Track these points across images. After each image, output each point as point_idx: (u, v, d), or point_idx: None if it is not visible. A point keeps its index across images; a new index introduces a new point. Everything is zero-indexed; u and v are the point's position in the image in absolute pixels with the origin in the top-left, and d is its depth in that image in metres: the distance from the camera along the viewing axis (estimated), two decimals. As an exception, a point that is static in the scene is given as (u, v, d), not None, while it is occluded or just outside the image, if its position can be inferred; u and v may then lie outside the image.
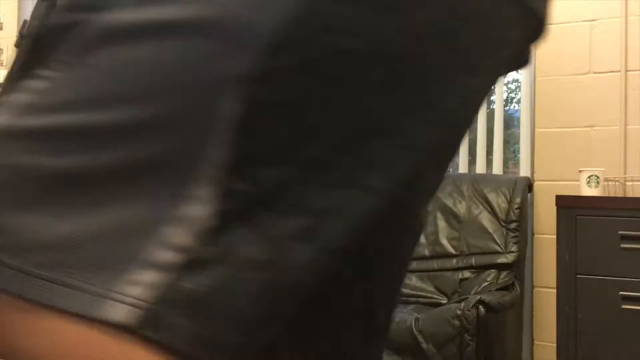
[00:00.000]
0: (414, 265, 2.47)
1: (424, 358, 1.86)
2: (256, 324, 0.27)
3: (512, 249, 2.35)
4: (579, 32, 2.49)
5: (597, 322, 2.02)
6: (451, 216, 2.49)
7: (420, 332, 1.88)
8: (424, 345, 1.86)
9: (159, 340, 0.25)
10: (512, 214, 2.41)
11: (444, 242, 2.46)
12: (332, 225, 0.28)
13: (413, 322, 1.90)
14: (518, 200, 2.43)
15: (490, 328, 1.96)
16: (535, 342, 2.50)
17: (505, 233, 2.39)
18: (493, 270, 2.34)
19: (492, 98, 2.93)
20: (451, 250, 2.44)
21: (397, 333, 1.90)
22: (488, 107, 2.86)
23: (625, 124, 2.40)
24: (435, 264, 2.44)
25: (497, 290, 2.19)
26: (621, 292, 2.01)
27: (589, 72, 2.47)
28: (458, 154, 2.90)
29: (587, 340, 2.04)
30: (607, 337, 2.03)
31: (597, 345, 2.05)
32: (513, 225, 2.40)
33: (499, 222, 2.41)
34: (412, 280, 2.44)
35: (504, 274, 2.31)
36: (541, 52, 2.55)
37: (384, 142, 0.29)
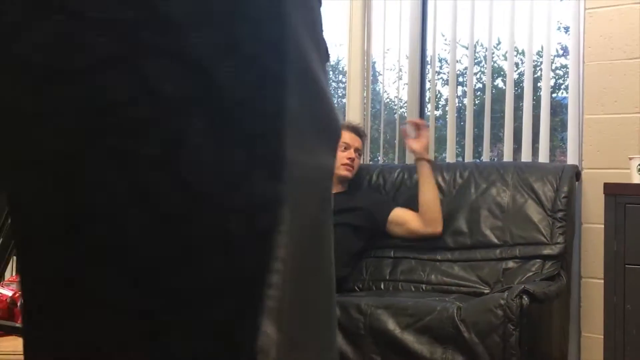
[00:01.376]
0: (457, 254, 2.45)
1: (466, 347, 1.85)
2: None
3: (559, 240, 2.30)
4: (629, 15, 2.40)
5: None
6: (494, 205, 2.45)
7: (462, 321, 1.86)
8: (466, 334, 1.84)
9: None
10: (559, 203, 2.36)
11: (487, 232, 2.42)
12: None
13: (455, 311, 1.89)
14: (565, 189, 2.37)
15: (535, 318, 1.93)
16: (583, 333, 2.44)
17: (551, 223, 2.34)
18: (538, 260, 2.29)
19: (538, 84, 2.86)
20: (494, 240, 2.40)
21: (439, 322, 1.89)
22: (535, 94, 2.79)
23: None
24: (477, 254, 2.41)
25: (542, 280, 2.15)
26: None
27: (636, 57, 2.39)
28: (502, 141, 2.83)
29: (636, 331, 1.98)
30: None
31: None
32: (560, 215, 2.34)
33: (545, 212, 2.36)
34: (455, 269, 2.42)
35: (549, 264, 2.27)
36: (590, 36, 2.47)
37: None
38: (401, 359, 1.90)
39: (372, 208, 2.52)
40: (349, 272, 2.51)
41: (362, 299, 2.03)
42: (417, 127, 2.54)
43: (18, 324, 1.10)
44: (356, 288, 2.49)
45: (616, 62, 2.43)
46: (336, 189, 2.65)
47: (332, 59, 4.47)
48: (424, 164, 2.50)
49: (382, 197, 2.63)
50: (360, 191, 2.66)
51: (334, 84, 4.71)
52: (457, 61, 3.00)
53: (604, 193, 2.05)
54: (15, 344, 1.13)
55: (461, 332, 1.85)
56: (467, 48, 2.95)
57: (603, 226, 2.05)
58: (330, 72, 4.63)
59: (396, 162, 3.11)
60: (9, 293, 1.25)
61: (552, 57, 2.78)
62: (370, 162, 3.14)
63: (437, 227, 2.45)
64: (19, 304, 1.22)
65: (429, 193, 2.46)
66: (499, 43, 3.24)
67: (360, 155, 2.67)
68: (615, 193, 2.04)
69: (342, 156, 2.60)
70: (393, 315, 1.93)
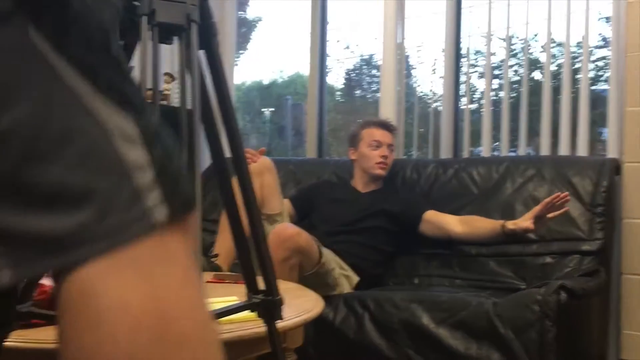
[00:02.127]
0: (492, 249, 2.42)
1: (501, 343, 1.83)
2: None
3: (598, 235, 2.25)
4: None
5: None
6: (531, 200, 2.41)
7: (498, 316, 1.84)
8: (501, 330, 1.82)
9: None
10: (598, 197, 2.30)
11: (524, 226, 2.38)
12: None
13: (490, 307, 1.87)
14: (605, 183, 2.32)
15: (573, 315, 1.90)
16: (623, 331, 2.39)
17: (590, 218, 2.29)
18: (576, 255, 2.25)
19: (577, 77, 2.80)
20: (531, 235, 2.36)
21: (474, 317, 1.87)
22: (573, 87, 2.74)
23: None
24: (513, 249, 2.37)
25: (580, 276, 2.11)
26: None
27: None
28: (539, 135, 2.78)
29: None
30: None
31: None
32: (599, 210, 2.29)
33: (584, 207, 2.32)
34: (490, 264, 2.39)
35: (587, 259, 2.22)
36: (631, 26, 2.41)
37: None
38: (435, 354, 1.89)
39: (406, 208, 2.50)
40: (382, 270, 2.50)
41: (397, 293, 2.03)
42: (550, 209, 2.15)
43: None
44: (390, 284, 2.49)
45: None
46: (370, 187, 2.64)
47: (366, 53, 4.45)
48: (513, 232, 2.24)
49: (416, 197, 2.60)
50: (395, 190, 2.64)
51: (367, 79, 4.70)
52: (493, 54, 2.96)
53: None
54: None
55: (497, 328, 1.83)
56: (503, 40, 2.90)
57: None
58: (364, 67, 4.62)
59: (430, 156, 3.09)
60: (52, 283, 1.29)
61: (591, 49, 2.71)
62: (405, 157, 3.13)
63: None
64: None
65: (483, 233, 2.35)
66: (536, 34, 3.18)
67: (392, 150, 2.66)
68: (658, 187, 1.99)
69: (374, 154, 2.58)
70: (427, 309, 1.92)
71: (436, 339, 1.89)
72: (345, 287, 2.27)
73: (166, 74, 3.23)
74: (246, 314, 1.17)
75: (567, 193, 2.13)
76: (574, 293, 1.83)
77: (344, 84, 4.70)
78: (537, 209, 2.14)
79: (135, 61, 1.01)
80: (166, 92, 3.29)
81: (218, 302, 1.39)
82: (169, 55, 3.43)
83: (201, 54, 0.96)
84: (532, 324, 1.79)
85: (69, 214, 0.40)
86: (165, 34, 0.92)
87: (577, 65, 2.84)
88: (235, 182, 1.04)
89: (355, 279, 2.33)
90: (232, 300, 1.39)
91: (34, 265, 0.41)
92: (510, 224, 2.21)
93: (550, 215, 2.12)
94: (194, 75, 0.92)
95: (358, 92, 4.81)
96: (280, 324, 1.12)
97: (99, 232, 0.41)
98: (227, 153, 1.01)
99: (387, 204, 2.51)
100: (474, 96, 3.33)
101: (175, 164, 0.46)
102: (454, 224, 2.40)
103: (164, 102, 3.09)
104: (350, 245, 2.41)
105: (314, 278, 2.09)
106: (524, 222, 2.17)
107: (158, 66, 0.97)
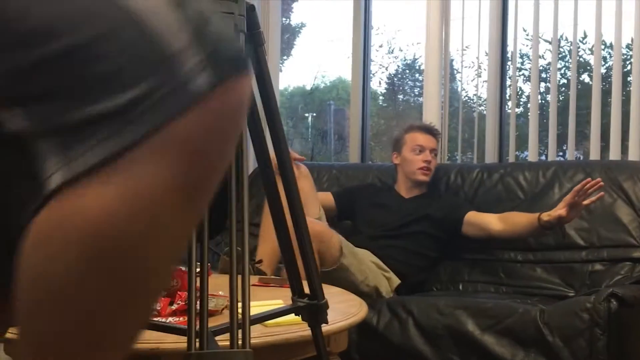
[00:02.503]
0: (539, 256, 2.37)
1: (549, 352, 1.79)
2: None
3: (651, 241, 2.18)
4: None
5: None
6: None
7: (545, 324, 1.81)
8: (549, 338, 1.79)
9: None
10: (650, 203, 2.24)
11: (572, 232, 2.33)
12: None
13: (538, 314, 1.83)
14: (658, 188, 2.25)
15: (624, 323, 1.84)
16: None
17: (642, 224, 2.22)
18: (627, 263, 2.18)
19: (628, 79, 2.73)
20: (580, 241, 2.31)
21: (521, 325, 1.84)
22: (624, 90, 2.67)
23: None
24: (561, 255, 2.32)
25: (631, 284, 2.05)
26: None
27: None
28: (588, 139, 2.72)
29: None
30: None
31: None
32: (652, 216, 2.22)
33: (636, 212, 2.25)
34: (537, 271, 2.35)
35: (639, 266, 2.16)
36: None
37: None
38: (481, 361, 1.87)
39: (448, 212, 2.48)
40: (426, 276, 2.48)
41: (441, 299, 2.01)
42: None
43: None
44: (434, 289, 2.47)
45: None
46: (414, 192, 2.62)
47: (409, 57, 4.44)
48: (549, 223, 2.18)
49: (458, 200, 2.58)
50: (438, 195, 2.62)
51: (410, 83, 4.68)
52: (540, 56, 2.90)
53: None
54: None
55: (544, 336, 1.80)
56: (550, 42, 2.85)
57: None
58: (407, 71, 4.60)
59: (475, 161, 3.05)
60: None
61: (643, 50, 2.63)
62: (449, 162, 3.10)
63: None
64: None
65: (521, 228, 2.30)
66: (585, 37, 3.11)
67: (436, 155, 2.64)
68: None
69: (417, 159, 2.57)
70: (473, 316, 1.90)
71: (481, 346, 1.87)
72: (384, 287, 2.27)
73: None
74: (291, 317, 1.18)
75: (599, 179, 2.10)
76: (625, 301, 1.78)
77: (387, 88, 4.69)
78: (569, 197, 2.11)
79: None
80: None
81: (263, 305, 1.41)
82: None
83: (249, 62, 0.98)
84: (582, 332, 1.75)
85: (116, 95, 0.38)
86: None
87: (627, 68, 2.77)
88: (280, 186, 1.05)
89: (397, 281, 2.32)
90: (278, 304, 1.40)
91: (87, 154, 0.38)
92: (545, 215, 2.17)
93: (585, 202, 2.09)
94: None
95: (401, 96, 4.80)
96: (324, 328, 1.13)
97: (142, 110, 0.37)
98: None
99: (430, 209, 2.50)
100: (520, 100, 3.28)
101: (215, 25, 0.41)
102: (494, 222, 2.37)
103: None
104: (394, 251, 2.40)
105: (335, 273, 2.11)
106: (558, 210, 2.13)
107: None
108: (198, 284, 0.83)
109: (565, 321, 1.78)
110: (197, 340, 0.81)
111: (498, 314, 1.88)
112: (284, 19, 3.79)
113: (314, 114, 5.11)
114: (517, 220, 2.31)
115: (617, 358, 1.77)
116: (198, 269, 0.84)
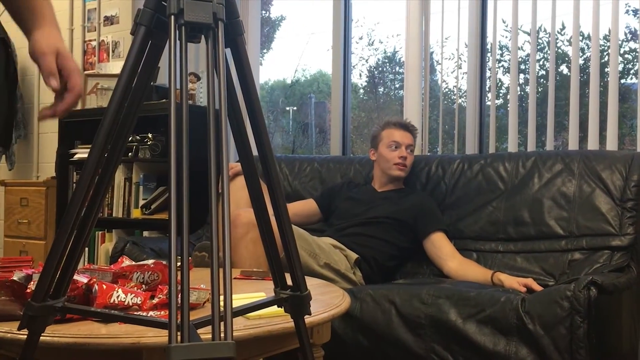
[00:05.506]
0: (519, 245, 2.39)
1: (530, 339, 1.81)
2: None
3: (628, 231, 2.21)
4: None
5: None
6: (559, 196, 2.38)
7: (526, 312, 1.83)
8: (530, 326, 1.81)
9: None
10: (628, 192, 2.27)
11: (551, 222, 2.36)
12: None
13: (519, 302, 1.85)
14: (635, 177, 2.28)
15: (603, 311, 1.87)
16: (655, 328, 2.35)
17: (620, 213, 2.25)
18: (606, 251, 2.22)
19: (605, 70, 2.76)
20: (559, 231, 2.33)
21: (502, 313, 1.86)
22: (602, 80, 2.69)
23: None
24: (541, 245, 2.35)
25: (610, 272, 2.08)
26: None
27: None
28: (567, 130, 2.75)
29: None
30: None
31: None
32: (630, 205, 2.26)
33: (614, 202, 2.28)
34: (518, 261, 2.37)
35: (618, 255, 2.19)
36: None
37: None
38: (463, 349, 1.89)
39: (418, 220, 2.47)
40: (397, 263, 2.50)
41: (423, 288, 2.02)
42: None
43: (93, 308, 1.16)
44: (415, 277, 2.48)
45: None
46: (389, 186, 2.64)
47: (389, 50, 4.43)
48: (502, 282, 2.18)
49: (432, 211, 2.52)
50: (415, 193, 2.62)
51: (390, 76, 4.68)
52: (519, 48, 2.92)
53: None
54: (90, 328, 1.19)
55: (525, 324, 1.82)
56: (529, 34, 2.87)
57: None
58: (388, 64, 4.60)
59: (455, 152, 3.07)
60: (84, 280, 1.32)
61: (620, 41, 2.67)
62: (429, 153, 3.11)
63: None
64: (93, 290, 1.28)
65: (472, 280, 2.26)
66: (563, 28, 3.13)
67: (412, 151, 2.65)
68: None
69: (393, 155, 2.59)
70: (455, 305, 1.92)
71: (464, 335, 1.88)
72: (342, 264, 2.30)
73: (191, 73, 3.27)
74: (274, 309, 1.18)
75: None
76: (604, 289, 1.81)
77: (367, 81, 4.69)
78: (528, 282, 2.10)
79: (163, 61, 1.03)
80: (192, 92, 3.33)
81: (246, 298, 1.41)
82: (192, 56, 3.47)
83: (228, 52, 0.97)
84: (562, 320, 1.77)
85: None
86: (192, 33, 0.93)
87: (605, 59, 2.80)
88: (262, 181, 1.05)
89: (354, 255, 2.35)
90: (260, 296, 1.40)
91: None
92: (498, 279, 2.16)
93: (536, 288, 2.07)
94: (220, 74, 0.93)
95: (382, 89, 4.80)
96: (308, 320, 1.13)
97: None
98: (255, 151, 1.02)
99: (401, 206, 2.51)
100: (500, 91, 3.30)
101: None
102: (450, 262, 2.36)
103: (190, 102, 3.12)
104: (359, 237, 2.45)
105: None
106: (514, 283, 2.10)
107: (186, 66, 0.98)
108: (179, 277, 0.82)
109: (546, 309, 1.80)
110: (179, 333, 0.80)
111: (480, 303, 1.90)
112: (263, 12, 3.77)
113: (295, 108, 5.09)
114: (471, 274, 2.28)
115: (597, 345, 1.80)
116: (179, 263, 0.83)
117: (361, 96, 4.77)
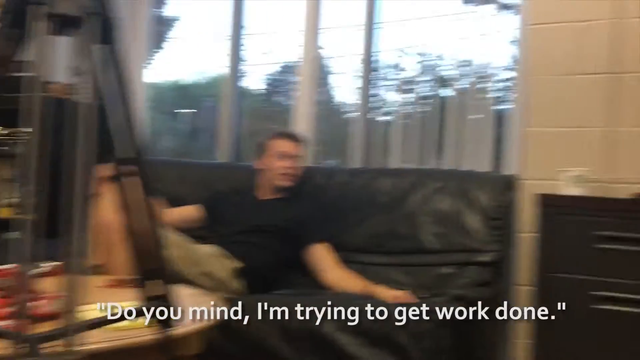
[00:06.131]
0: (394, 259, 2.48)
1: (401, 351, 1.87)
2: None
3: (494, 247, 2.36)
4: (568, 32, 2.49)
5: (572, 322, 2.04)
6: (435, 212, 2.49)
7: (398, 325, 1.88)
8: (401, 338, 1.87)
9: None
10: (495, 211, 2.42)
11: (426, 238, 2.46)
12: None
13: (392, 315, 1.90)
14: (503, 198, 2.44)
15: (469, 324, 1.97)
16: (514, 340, 2.51)
17: (487, 231, 2.40)
18: (473, 267, 2.35)
19: (483, 96, 2.93)
20: (433, 246, 2.44)
21: (376, 325, 1.91)
22: (479, 105, 2.87)
23: (611, 126, 2.41)
24: (416, 259, 2.45)
25: (476, 286, 2.21)
26: (593, 292, 2.04)
27: (577, 73, 2.48)
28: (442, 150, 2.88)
29: (562, 340, 2.06)
30: (580, 336, 2.05)
31: (572, 345, 2.07)
32: (496, 223, 2.41)
33: (482, 220, 2.42)
34: (395, 274, 2.45)
35: (484, 270, 2.32)
36: (533, 51, 2.56)
37: None
38: (336, 360, 1.91)
39: (303, 225, 2.47)
40: (278, 274, 2.47)
41: (301, 298, 2.03)
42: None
43: None
44: (294, 288, 2.48)
45: (557, 77, 2.51)
46: (275, 195, 2.63)
47: (285, 60, 4.47)
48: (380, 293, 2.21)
49: (316, 220, 2.53)
50: (300, 203, 2.61)
51: (287, 86, 4.71)
52: (402, 69, 3.05)
53: (536, 204, 2.13)
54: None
55: (397, 336, 1.88)
56: (417, 55, 3.00)
57: (536, 235, 2.12)
58: (285, 73, 4.63)
59: (343, 165, 3.13)
60: None
61: (497, 69, 2.86)
62: (317, 164, 3.15)
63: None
64: None
65: (352, 288, 2.30)
66: (442, 54, 3.31)
67: (299, 162, 2.66)
68: (547, 204, 2.12)
69: (279, 166, 2.59)
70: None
71: (337, 346, 1.91)
72: (224, 272, 2.28)
73: (70, 68, 3.11)
74: (140, 320, 1.13)
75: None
76: (470, 303, 1.90)
77: (266, 89, 4.69)
78: (402, 296, 2.16)
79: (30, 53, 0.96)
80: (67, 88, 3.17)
81: (112, 307, 1.34)
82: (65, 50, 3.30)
83: (101, 48, 0.93)
84: (430, 332, 1.85)
85: None
86: (61, 25, 0.88)
87: (483, 85, 2.98)
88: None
89: (236, 264, 2.33)
90: (130, 305, 1.34)
91: None
92: (374, 291, 2.20)
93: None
94: (91, 69, 0.89)
95: (276, 98, 4.82)
96: (176, 331, 1.10)
97: None
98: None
99: (283, 215, 2.51)
100: (387, 109, 3.41)
101: None
102: (330, 274, 2.37)
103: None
104: (240, 246, 2.41)
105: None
106: (390, 296, 2.15)
107: (54, 59, 0.93)
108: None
109: (416, 323, 1.87)
110: (25, 345, 0.75)
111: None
112: (156, 10, 3.66)
113: (186, 111, 4.98)
114: (350, 286, 2.30)
115: (462, 357, 1.89)
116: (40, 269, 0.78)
117: (256, 104, 4.75)
